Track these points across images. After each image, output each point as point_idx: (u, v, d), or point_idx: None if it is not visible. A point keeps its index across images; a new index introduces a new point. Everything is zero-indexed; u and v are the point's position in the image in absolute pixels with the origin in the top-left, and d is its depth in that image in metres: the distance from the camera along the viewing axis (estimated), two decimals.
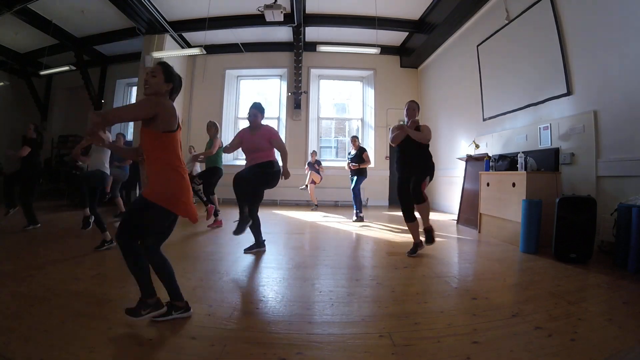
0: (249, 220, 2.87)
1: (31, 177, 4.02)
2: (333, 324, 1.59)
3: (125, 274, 2.33)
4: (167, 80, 1.60)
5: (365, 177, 5.27)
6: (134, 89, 8.45)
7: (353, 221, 5.01)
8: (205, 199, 4.41)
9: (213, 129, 4.42)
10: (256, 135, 2.95)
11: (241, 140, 3.03)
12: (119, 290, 1.97)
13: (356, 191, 5.16)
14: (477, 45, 5.24)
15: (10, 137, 8.43)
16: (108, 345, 1.33)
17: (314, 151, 6.78)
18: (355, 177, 5.14)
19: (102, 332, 1.44)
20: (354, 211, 5.21)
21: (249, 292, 2.02)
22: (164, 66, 1.61)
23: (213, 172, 4.43)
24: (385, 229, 4.38)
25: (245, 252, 2.96)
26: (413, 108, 3.12)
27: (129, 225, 1.54)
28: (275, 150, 3.00)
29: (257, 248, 3.03)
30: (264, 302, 1.87)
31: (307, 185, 6.40)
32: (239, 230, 2.79)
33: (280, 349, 1.35)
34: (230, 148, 3.09)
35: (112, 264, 2.54)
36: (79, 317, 1.57)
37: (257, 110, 3.00)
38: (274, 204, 7.29)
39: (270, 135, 2.96)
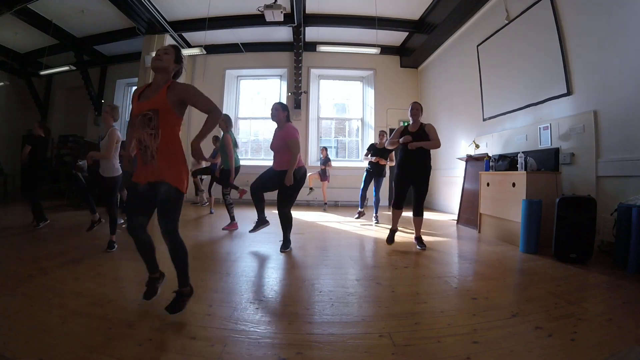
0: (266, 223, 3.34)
1: (35, 174, 3.97)
2: (333, 324, 1.59)
3: (125, 274, 2.35)
4: (176, 61, 1.71)
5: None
6: (134, 89, 8.43)
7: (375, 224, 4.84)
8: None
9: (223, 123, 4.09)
10: (277, 135, 3.03)
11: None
12: (119, 290, 1.97)
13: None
14: (477, 45, 5.25)
15: (10, 137, 8.44)
16: (108, 345, 1.33)
17: (324, 147, 6.80)
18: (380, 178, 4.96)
19: (102, 332, 1.44)
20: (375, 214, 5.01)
21: (249, 292, 2.02)
22: (176, 48, 1.73)
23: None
24: (385, 229, 4.38)
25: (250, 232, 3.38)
26: (417, 109, 3.31)
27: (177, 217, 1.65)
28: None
29: (263, 225, 3.32)
30: (264, 302, 1.87)
31: (311, 188, 6.39)
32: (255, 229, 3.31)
33: (280, 349, 1.35)
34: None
35: (112, 263, 2.54)
36: (79, 317, 1.57)
37: (279, 106, 3.04)
38: (275, 203, 7.28)
39: (286, 137, 2.94)
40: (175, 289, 1.66)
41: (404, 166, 3.26)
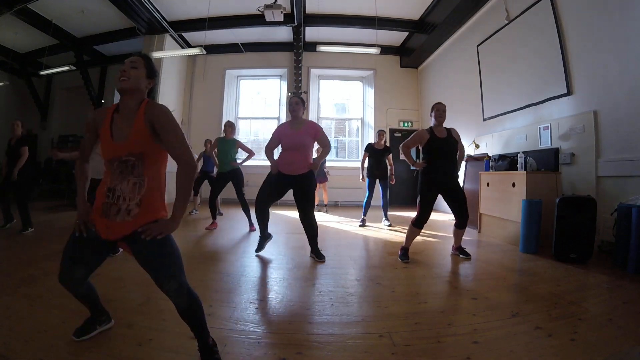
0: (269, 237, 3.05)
1: (26, 176, 3.92)
2: (333, 324, 1.59)
3: (125, 274, 2.34)
4: (149, 76, 1.29)
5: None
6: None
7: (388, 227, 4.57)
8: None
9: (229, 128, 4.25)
10: (300, 131, 2.75)
11: (280, 138, 2.83)
12: (119, 290, 1.97)
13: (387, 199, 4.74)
14: (477, 45, 5.25)
15: (10, 137, 8.42)
16: (108, 345, 1.33)
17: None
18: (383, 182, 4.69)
19: (103, 332, 1.44)
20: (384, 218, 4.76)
21: (249, 292, 2.02)
22: (146, 59, 1.31)
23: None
24: (384, 230, 4.38)
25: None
26: (445, 111, 2.96)
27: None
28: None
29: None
30: (264, 302, 1.87)
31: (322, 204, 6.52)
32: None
33: (280, 349, 1.35)
34: (269, 148, 2.93)
35: (112, 264, 2.54)
36: (79, 317, 1.56)
37: (299, 100, 2.80)
38: (274, 204, 7.27)
39: (316, 132, 2.78)
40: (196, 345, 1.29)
41: (435, 173, 2.79)
